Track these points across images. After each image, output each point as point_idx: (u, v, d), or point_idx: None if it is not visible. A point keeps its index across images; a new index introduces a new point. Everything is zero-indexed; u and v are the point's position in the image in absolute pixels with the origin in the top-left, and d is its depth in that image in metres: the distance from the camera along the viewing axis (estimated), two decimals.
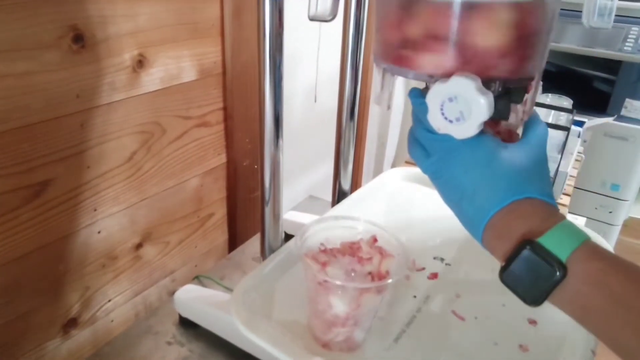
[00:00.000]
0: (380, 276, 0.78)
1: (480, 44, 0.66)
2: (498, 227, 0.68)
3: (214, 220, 1.51)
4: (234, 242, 1.60)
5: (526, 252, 0.65)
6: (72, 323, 1.14)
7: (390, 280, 0.76)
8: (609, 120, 2.45)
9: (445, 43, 0.67)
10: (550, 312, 0.92)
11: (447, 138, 0.70)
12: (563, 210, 1.58)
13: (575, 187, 2.64)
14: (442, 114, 0.67)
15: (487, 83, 0.67)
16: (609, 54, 2.35)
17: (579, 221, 1.69)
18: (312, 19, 0.75)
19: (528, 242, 0.65)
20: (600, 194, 2.65)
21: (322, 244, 0.83)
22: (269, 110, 0.88)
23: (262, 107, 0.88)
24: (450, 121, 0.67)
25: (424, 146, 0.75)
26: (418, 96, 0.72)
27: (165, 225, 1.33)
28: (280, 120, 0.89)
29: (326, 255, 0.80)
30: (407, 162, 1.91)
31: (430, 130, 0.72)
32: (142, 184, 1.22)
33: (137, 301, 1.31)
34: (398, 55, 0.72)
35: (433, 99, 0.67)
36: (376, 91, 0.80)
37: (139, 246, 1.26)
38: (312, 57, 1.72)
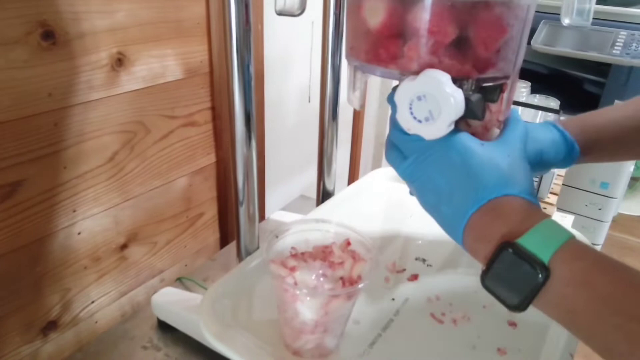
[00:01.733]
0: (351, 281, 0.71)
1: (449, 40, 0.59)
2: (477, 229, 0.61)
3: (204, 220, 1.43)
4: (225, 241, 1.53)
5: (506, 254, 0.57)
6: (51, 326, 1.07)
7: (360, 286, 0.69)
8: None
9: (412, 39, 0.61)
10: (530, 314, 0.85)
11: (422, 138, 0.63)
12: (551, 208, 1.51)
13: (566, 185, 2.60)
14: (411, 113, 0.60)
15: (459, 81, 0.60)
16: (598, 57, 2.30)
17: (567, 219, 1.62)
18: (279, 13, 0.68)
19: (508, 243, 0.57)
20: (590, 192, 2.61)
21: (293, 248, 0.77)
22: (238, 110, 0.81)
23: (232, 107, 0.80)
24: (420, 121, 0.60)
25: (400, 149, 0.68)
26: (393, 98, 0.65)
27: (152, 225, 1.25)
28: (251, 120, 0.82)
29: (296, 260, 0.73)
30: None
31: (405, 131, 0.65)
32: (126, 184, 1.14)
33: (123, 302, 1.23)
34: (366, 52, 0.65)
35: (401, 97, 0.60)
36: (348, 90, 0.72)
37: (124, 247, 1.19)
38: (305, 58, 1.65)
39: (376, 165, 2.48)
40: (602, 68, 2.43)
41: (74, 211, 1.04)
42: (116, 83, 1.04)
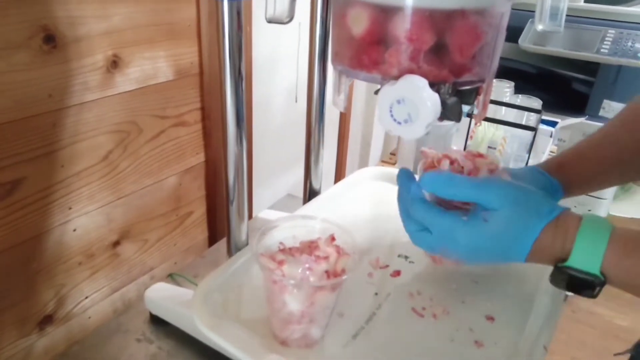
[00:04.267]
0: (335, 274, 0.77)
1: (427, 47, 0.66)
2: (535, 258, 0.70)
3: (193, 218, 1.50)
4: (214, 239, 1.59)
5: (563, 276, 0.68)
6: (47, 320, 1.13)
7: (344, 278, 0.75)
8: (581, 119, 2.46)
9: (393, 46, 0.67)
10: (508, 310, 0.91)
11: (446, 214, 0.73)
12: None
13: None
14: (391, 115, 0.67)
15: (437, 85, 0.66)
16: (586, 56, 2.35)
17: None
18: (269, 21, 0.75)
19: (561, 267, 0.68)
20: None
21: (281, 243, 0.83)
22: (230, 110, 0.86)
23: (224, 108, 0.86)
24: (399, 123, 0.67)
25: (420, 221, 0.77)
26: (404, 177, 0.78)
27: (143, 223, 1.32)
28: (242, 120, 0.88)
29: (284, 254, 0.78)
30: (384, 162, 1.90)
31: (425, 204, 0.75)
32: (119, 183, 1.20)
33: (115, 298, 1.30)
34: (350, 58, 0.72)
35: (382, 101, 0.67)
36: (333, 93, 0.79)
37: (116, 244, 1.25)
38: (292, 58, 1.71)
39: (363, 164, 2.52)
40: (591, 67, 2.45)
41: (70, 208, 1.11)
42: (111, 84, 1.11)
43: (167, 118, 1.29)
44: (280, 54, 1.67)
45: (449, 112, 0.68)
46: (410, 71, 0.66)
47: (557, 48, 2.40)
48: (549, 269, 0.70)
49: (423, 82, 0.64)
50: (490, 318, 0.89)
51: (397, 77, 0.66)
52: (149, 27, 1.16)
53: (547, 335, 0.84)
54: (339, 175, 2.28)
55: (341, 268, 0.77)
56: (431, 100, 0.64)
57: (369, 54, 0.69)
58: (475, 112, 0.78)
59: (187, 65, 1.30)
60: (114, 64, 1.10)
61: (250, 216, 1.58)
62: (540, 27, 0.79)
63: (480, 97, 0.74)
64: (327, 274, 0.77)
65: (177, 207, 1.42)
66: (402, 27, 0.65)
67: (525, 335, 0.85)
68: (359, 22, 0.69)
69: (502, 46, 0.73)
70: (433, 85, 0.66)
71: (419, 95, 0.64)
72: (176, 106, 1.31)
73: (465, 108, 0.78)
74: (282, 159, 1.86)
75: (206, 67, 1.34)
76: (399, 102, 0.65)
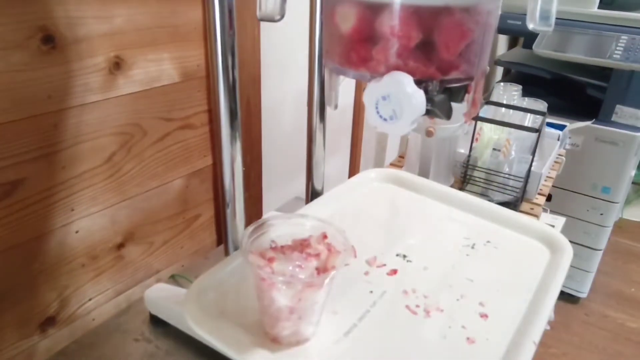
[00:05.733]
0: (326, 271, 0.77)
1: (413, 44, 0.66)
2: None
3: (201, 222, 1.49)
4: (221, 243, 1.58)
5: None
6: (50, 321, 1.14)
7: (332, 274, 0.75)
8: (587, 123, 2.46)
9: (380, 43, 0.67)
10: (501, 308, 0.91)
11: None
12: (537, 209, 1.56)
13: (567, 190, 2.63)
14: (377, 112, 0.67)
15: (425, 83, 0.66)
16: (599, 61, 2.34)
17: (559, 221, 1.66)
18: (261, 19, 0.75)
19: None
20: (592, 197, 2.65)
21: (273, 241, 0.83)
22: (224, 112, 0.87)
23: (218, 109, 0.86)
24: (385, 119, 0.67)
25: None
26: None
27: (148, 225, 1.32)
28: (235, 122, 0.88)
29: (275, 252, 0.79)
30: (392, 164, 1.90)
31: None
32: (123, 185, 1.21)
33: (119, 300, 1.30)
34: (339, 55, 0.72)
35: (368, 97, 0.67)
36: (326, 92, 0.79)
37: (120, 246, 1.25)
38: (303, 62, 1.70)
39: (379, 167, 2.51)
40: (605, 72, 2.47)
41: (72, 210, 1.11)
42: (114, 86, 1.11)
43: (172, 120, 1.29)
44: (291, 58, 1.67)
45: (437, 110, 0.67)
46: (397, 68, 0.66)
47: (570, 53, 2.40)
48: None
49: (407, 79, 0.64)
50: (484, 315, 0.90)
51: (384, 74, 0.66)
52: (153, 29, 1.16)
53: (537, 332, 0.84)
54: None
55: (332, 265, 0.78)
56: (415, 97, 0.64)
57: (357, 51, 0.69)
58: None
59: (194, 68, 1.30)
60: (117, 65, 1.10)
61: (259, 218, 1.58)
62: (531, 26, 0.79)
63: (470, 95, 0.73)
64: (318, 271, 0.78)
65: (184, 210, 1.42)
66: (388, 24, 0.65)
67: (516, 333, 0.86)
68: (346, 20, 0.69)
69: (491, 45, 0.73)
70: (420, 82, 0.66)
71: (403, 92, 0.64)
72: (182, 109, 1.31)
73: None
74: (293, 162, 1.85)
75: (212, 69, 1.34)
76: (384, 98, 0.65)
